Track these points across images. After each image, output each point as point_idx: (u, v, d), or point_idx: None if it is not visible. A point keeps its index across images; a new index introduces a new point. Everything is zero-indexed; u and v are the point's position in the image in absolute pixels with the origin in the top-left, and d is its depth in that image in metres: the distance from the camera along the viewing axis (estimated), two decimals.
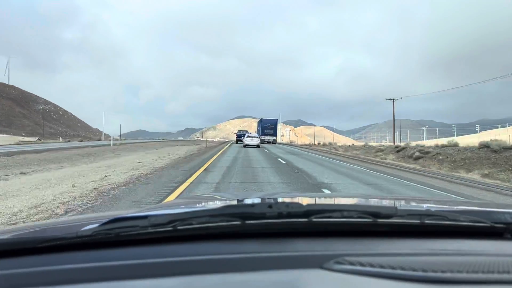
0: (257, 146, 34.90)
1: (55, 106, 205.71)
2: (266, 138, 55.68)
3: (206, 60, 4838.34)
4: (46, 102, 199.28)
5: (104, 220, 0.96)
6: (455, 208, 1.39)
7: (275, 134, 57.36)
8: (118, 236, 0.93)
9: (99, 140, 77.55)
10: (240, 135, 51.72)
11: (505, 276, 0.78)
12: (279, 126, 74.65)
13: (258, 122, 64.74)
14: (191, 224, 0.95)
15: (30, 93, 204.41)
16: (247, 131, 77.73)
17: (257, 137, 36.62)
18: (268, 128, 56.54)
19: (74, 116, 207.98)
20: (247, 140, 35.89)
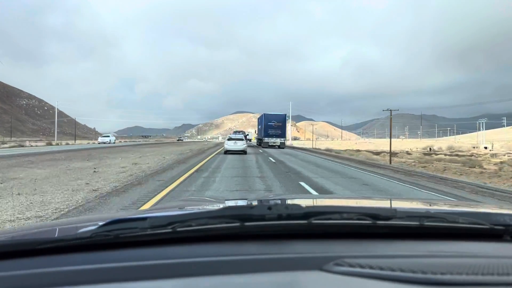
0: (243, 152, 26.12)
1: (40, 101, 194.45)
2: (271, 140, 41.52)
3: (204, 53, 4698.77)
4: (30, 97, 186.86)
5: (103, 222, 0.99)
6: (454, 210, 1.43)
7: (283, 135, 42.66)
8: (117, 238, 0.95)
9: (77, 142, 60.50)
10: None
11: (504, 278, 0.80)
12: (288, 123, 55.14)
13: (259, 119, 49.76)
14: (190, 225, 0.97)
15: (13, 87, 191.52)
16: (243, 131, 62.12)
17: (242, 139, 27.25)
18: (273, 126, 41.84)
19: (61, 111, 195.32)
20: (228, 144, 26.41)
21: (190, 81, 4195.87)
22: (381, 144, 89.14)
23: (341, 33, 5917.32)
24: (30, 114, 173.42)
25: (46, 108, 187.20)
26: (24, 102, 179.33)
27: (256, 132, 59.74)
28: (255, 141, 56.10)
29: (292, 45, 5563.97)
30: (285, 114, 44.90)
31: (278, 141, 41.31)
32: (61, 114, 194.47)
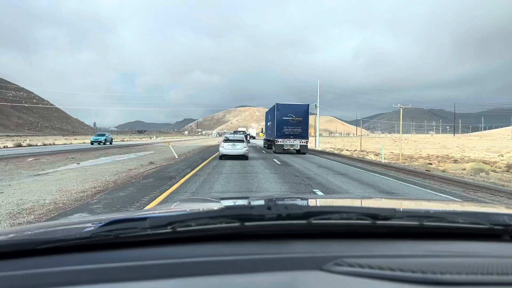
0: (243, 156, 20.81)
1: (29, 93, 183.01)
2: (288, 142, 28.90)
3: (208, 44, 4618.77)
4: (18, 89, 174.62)
5: (103, 222, 1.01)
6: (453, 209, 1.48)
7: (304, 135, 29.45)
8: (117, 238, 0.97)
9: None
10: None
11: (504, 278, 0.82)
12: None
13: (269, 113, 35.97)
14: (190, 226, 0.99)
15: (1, 78, 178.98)
16: (243, 131, 50.01)
17: (242, 141, 21.23)
18: (290, 122, 29.09)
19: (51, 104, 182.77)
20: (225, 147, 20.97)
21: (193, 73, 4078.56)
22: (425, 141, 75.83)
23: (353, 21, 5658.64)
24: (16, 107, 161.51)
25: (35, 101, 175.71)
26: (11, 94, 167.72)
27: (263, 131, 46.91)
28: (262, 138, 42.92)
29: (301, 35, 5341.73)
30: (308, 105, 30.50)
31: (297, 143, 28.73)
32: (51, 107, 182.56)
